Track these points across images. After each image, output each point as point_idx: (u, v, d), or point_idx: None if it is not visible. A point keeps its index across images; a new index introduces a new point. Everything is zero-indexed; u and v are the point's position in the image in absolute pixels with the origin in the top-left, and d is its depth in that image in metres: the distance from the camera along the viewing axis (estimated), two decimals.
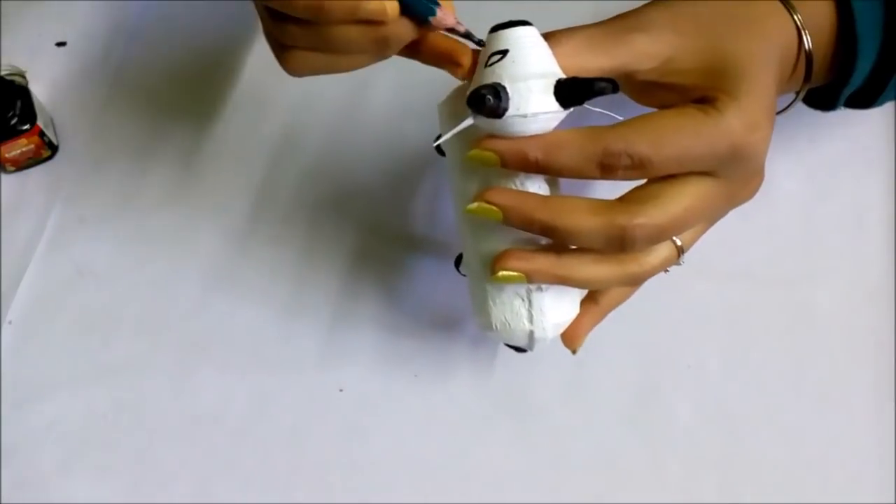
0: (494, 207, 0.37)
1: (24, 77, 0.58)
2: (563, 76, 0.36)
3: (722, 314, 0.50)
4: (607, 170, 0.35)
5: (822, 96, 0.45)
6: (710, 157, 0.36)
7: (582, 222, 0.36)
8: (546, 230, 0.36)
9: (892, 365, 0.48)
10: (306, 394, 0.50)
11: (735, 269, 0.51)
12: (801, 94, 0.43)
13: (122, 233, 0.55)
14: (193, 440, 0.49)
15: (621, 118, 0.36)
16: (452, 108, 0.39)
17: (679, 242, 0.39)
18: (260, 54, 0.60)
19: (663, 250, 0.39)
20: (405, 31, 0.36)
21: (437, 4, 0.35)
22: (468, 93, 0.35)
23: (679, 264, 0.40)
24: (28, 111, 0.56)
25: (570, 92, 0.35)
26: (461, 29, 0.36)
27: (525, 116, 0.35)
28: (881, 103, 0.45)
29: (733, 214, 0.40)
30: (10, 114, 0.55)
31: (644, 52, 0.37)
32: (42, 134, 0.56)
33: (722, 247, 0.47)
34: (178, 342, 0.52)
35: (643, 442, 0.47)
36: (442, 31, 0.37)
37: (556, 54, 0.36)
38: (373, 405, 0.49)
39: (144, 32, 0.62)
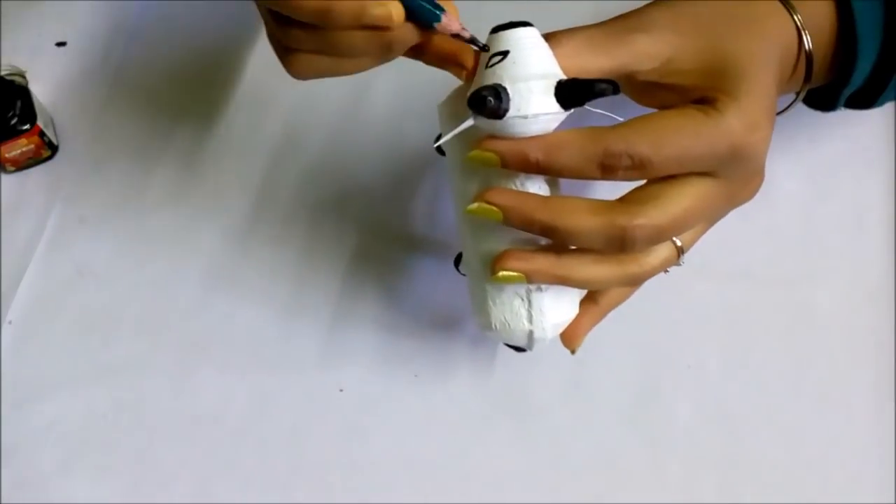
0: (494, 208, 0.37)
1: (24, 77, 0.58)
2: (564, 77, 0.36)
3: (722, 314, 0.50)
4: (608, 170, 0.35)
5: (823, 97, 0.45)
6: (711, 158, 0.36)
7: (582, 223, 0.36)
8: (546, 230, 0.36)
9: (892, 365, 0.48)
10: (306, 394, 0.50)
11: (735, 269, 0.51)
12: (802, 95, 0.43)
13: (122, 233, 0.55)
14: (193, 440, 0.49)
15: (621, 119, 0.36)
16: (453, 109, 0.39)
17: (679, 243, 0.39)
18: (260, 54, 0.60)
19: (663, 251, 0.39)
20: (410, 35, 0.36)
21: (443, 10, 0.35)
22: (469, 93, 0.35)
23: (679, 265, 0.40)
24: (28, 111, 0.56)
25: (570, 93, 0.35)
26: (466, 35, 0.36)
27: (526, 117, 0.35)
28: (881, 104, 0.45)
29: (733, 214, 0.40)
30: (10, 114, 0.55)
31: (644, 52, 0.37)
32: (42, 134, 0.56)
33: (722, 247, 0.47)
34: (178, 342, 0.52)
35: (643, 442, 0.47)
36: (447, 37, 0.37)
37: (556, 55, 0.36)
38: (373, 405, 0.49)
39: (144, 32, 0.62)
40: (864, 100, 0.45)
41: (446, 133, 0.38)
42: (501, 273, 0.38)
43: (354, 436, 0.49)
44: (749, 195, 0.40)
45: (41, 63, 0.61)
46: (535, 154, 0.36)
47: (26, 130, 0.55)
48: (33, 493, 0.49)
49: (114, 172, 0.57)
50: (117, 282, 0.54)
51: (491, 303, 0.40)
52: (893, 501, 0.45)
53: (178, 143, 0.58)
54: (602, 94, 0.34)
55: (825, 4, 0.41)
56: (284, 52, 0.38)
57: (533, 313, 0.40)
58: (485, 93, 0.35)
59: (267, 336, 0.51)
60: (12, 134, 0.55)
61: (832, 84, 0.43)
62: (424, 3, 0.35)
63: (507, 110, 0.35)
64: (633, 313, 0.44)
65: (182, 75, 0.60)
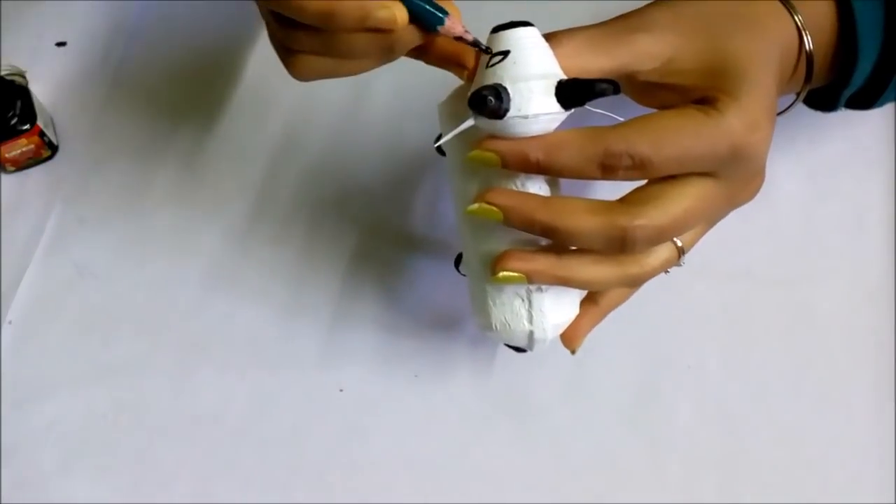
0: (495, 208, 0.37)
1: (24, 77, 0.58)
2: (565, 77, 0.36)
3: (722, 314, 0.50)
4: (608, 170, 0.35)
5: (823, 97, 0.45)
6: (711, 158, 0.36)
7: (582, 223, 0.36)
8: (546, 231, 0.36)
9: (892, 365, 0.48)
10: (306, 394, 0.50)
11: (735, 269, 0.51)
12: (802, 95, 0.43)
13: (122, 233, 0.55)
14: (193, 440, 0.49)
15: (622, 119, 0.36)
16: (453, 109, 0.39)
17: (679, 243, 0.39)
18: (261, 54, 0.60)
19: (664, 251, 0.39)
20: (412, 38, 0.36)
21: (446, 13, 0.35)
22: (469, 93, 0.35)
23: (679, 265, 0.40)
24: (28, 111, 0.56)
25: (571, 93, 0.35)
26: (469, 38, 0.36)
27: (526, 117, 0.35)
28: (882, 104, 0.45)
29: (733, 215, 0.40)
30: (10, 114, 0.55)
31: (645, 52, 0.37)
32: (42, 134, 0.56)
33: (722, 247, 0.47)
34: (178, 342, 0.52)
35: (643, 442, 0.47)
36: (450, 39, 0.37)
37: (557, 55, 0.36)
38: (373, 405, 0.49)
39: (144, 32, 0.62)
40: (865, 100, 0.45)
41: (446, 133, 0.38)
42: (502, 273, 0.38)
43: (354, 436, 0.49)
44: (749, 196, 0.40)
45: (41, 63, 0.60)
46: (536, 154, 0.36)
47: (26, 130, 0.55)
48: (33, 493, 0.48)
49: (114, 172, 0.57)
50: (117, 282, 0.54)
51: (491, 303, 0.40)
52: (893, 501, 0.45)
53: (178, 143, 0.58)
54: (603, 93, 0.34)
55: (826, 5, 0.41)
56: (286, 53, 0.38)
57: (533, 314, 0.40)
58: (485, 92, 0.35)
59: (267, 336, 0.51)
60: (12, 134, 0.55)
61: (833, 84, 0.43)
62: (428, 7, 0.35)
63: (507, 110, 0.35)
64: (633, 313, 0.44)
65: (182, 75, 0.60)
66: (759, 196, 0.40)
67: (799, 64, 0.40)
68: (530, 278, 0.38)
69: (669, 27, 0.38)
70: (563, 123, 0.37)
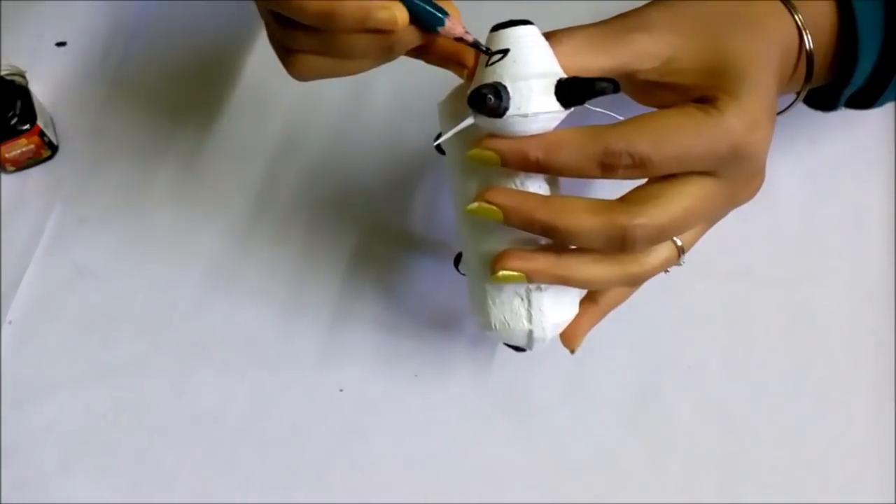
0: (495, 207, 0.37)
1: (24, 77, 0.58)
2: (564, 76, 0.36)
3: (722, 314, 0.50)
4: (608, 169, 0.35)
5: (823, 97, 0.45)
6: (711, 157, 0.36)
7: (582, 222, 0.36)
8: (546, 230, 0.36)
9: (892, 365, 0.48)
10: (306, 394, 0.50)
11: (735, 269, 0.51)
12: (802, 95, 0.43)
13: (122, 233, 0.55)
14: (193, 440, 0.49)
15: (622, 118, 0.36)
16: (453, 108, 0.39)
17: (679, 243, 0.39)
18: (260, 54, 0.60)
19: (663, 251, 0.39)
20: (412, 38, 0.36)
21: (446, 14, 0.35)
22: (469, 92, 0.35)
23: (679, 265, 0.40)
24: (28, 111, 0.56)
25: (570, 92, 0.35)
26: (469, 39, 0.36)
27: (526, 116, 0.35)
28: (882, 104, 0.45)
29: (733, 214, 0.40)
30: (10, 114, 0.55)
31: (645, 51, 0.37)
32: (42, 134, 0.56)
33: (722, 247, 0.47)
34: (178, 342, 0.52)
35: (643, 442, 0.47)
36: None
37: (556, 54, 0.36)
38: (373, 405, 0.49)
39: (144, 32, 0.62)
40: (865, 100, 0.45)
41: (446, 132, 0.38)
42: (501, 273, 0.38)
43: (354, 436, 0.49)
44: (749, 195, 0.40)
45: (41, 63, 0.60)
46: (535, 153, 0.36)
47: (26, 130, 0.55)
48: (33, 493, 0.48)
49: (114, 172, 0.57)
50: (117, 282, 0.54)
51: (491, 302, 0.40)
52: (893, 501, 0.45)
53: (178, 143, 0.58)
54: (602, 92, 0.34)
55: (826, 4, 0.41)
56: (285, 53, 0.38)
57: (533, 313, 0.40)
58: (485, 91, 0.35)
59: (267, 336, 0.51)
60: (12, 134, 0.55)
61: (833, 84, 0.43)
62: (428, 7, 0.35)
63: (507, 109, 0.35)
64: (633, 313, 0.44)
65: (182, 75, 0.60)
66: (759, 196, 0.40)
67: (799, 63, 0.40)
68: (530, 277, 0.38)
69: (669, 27, 0.38)
70: (563, 122, 0.37)
